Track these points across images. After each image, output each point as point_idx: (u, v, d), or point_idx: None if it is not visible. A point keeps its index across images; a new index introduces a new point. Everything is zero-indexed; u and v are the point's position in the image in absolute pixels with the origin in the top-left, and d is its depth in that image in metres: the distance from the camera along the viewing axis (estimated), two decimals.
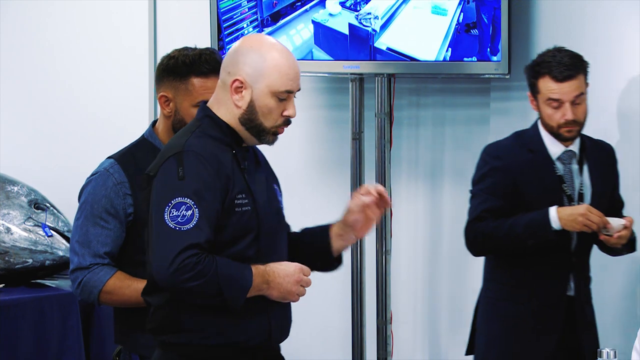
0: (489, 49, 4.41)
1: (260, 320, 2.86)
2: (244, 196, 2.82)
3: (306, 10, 4.65)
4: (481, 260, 4.57)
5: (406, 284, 4.82)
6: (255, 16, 4.72)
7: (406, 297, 4.81)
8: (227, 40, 4.76)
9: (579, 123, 3.75)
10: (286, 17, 4.68)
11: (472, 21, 4.42)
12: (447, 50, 4.43)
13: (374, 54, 4.55)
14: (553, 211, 3.66)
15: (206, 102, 2.93)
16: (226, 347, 2.83)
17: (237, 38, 4.76)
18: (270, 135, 2.87)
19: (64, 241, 4.55)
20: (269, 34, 4.70)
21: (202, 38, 4.96)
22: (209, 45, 4.81)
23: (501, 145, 3.89)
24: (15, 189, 4.64)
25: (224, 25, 4.76)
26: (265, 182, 2.93)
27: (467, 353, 3.98)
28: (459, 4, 4.42)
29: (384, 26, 4.53)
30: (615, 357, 2.79)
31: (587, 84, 3.81)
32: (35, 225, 4.53)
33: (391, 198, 4.64)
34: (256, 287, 2.80)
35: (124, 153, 3.36)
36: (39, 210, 4.61)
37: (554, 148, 3.79)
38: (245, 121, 2.84)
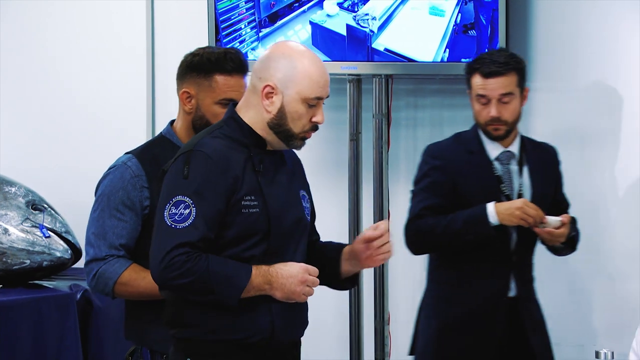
0: (486, 50, 4.41)
1: (261, 318, 2.87)
2: (253, 198, 2.84)
3: (304, 11, 4.65)
4: None
5: (404, 284, 4.82)
6: (253, 17, 4.72)
7: (404, 297, 4.81)
8: (224, 41, 4.76)
9: (505, 122, 3.76)
10: (284, 18, 4.68)
11: (469, 22, 4.42)
12: (444, 51, 4.43)
13: (372, 54, 4.56)
14: (491, 206, 3.68)
15: (236, 103, 2.97)
16: (227, 343, 2.85)
17: (235, 39, 4.77)
18: (298, 140, 2.91)
19: (61, 242, 4.55)
20: (267, 35, 4.70)
21: (200, 39, 4.96)
22: (207, 45, 4.82)
23: (441, 146, 3.93)
24: (13, 189, 4.63)
25: (222, 26, 4.76)
26: (287, 187, 2.95)
27: (410, 353, 3.99)
28: (457, 4, 4.42)
29: (381, 27, 4.53)
30: (612, 358, 2.79)
31: (522, 87, 3.81)
32: (32, 226, 4.53)
33: (389, 199, 4.66)
34: (257, 287, 2.82)
35: (143, 149, 3.38)
36: (37, 211, 4.60)
37: (493, 149, 3.82)
38: (275, 126, 2.88)
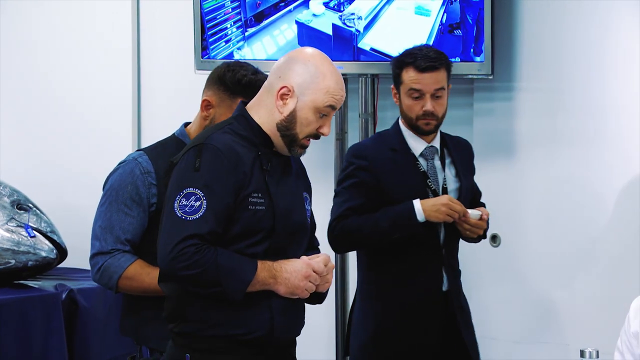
0: (472, 50, 4.42)
1: (261, 314, 2.89)
2: (260, 195, 2.88)
3: (290, 11, 4.65)
4: (465, 258, 4.59)
5: None
6: (239, 16, 4.71)
7: None
8: (210, 40, 4.76)
9: (437, 117, 3.80)
10: (270, 17, 4.68)
11: (455, 22, 4.43)
12: None
13: (358, 54, 4.56)
14: (417, 204, 3.71)
15: (246, 102, 2.99)
16: (226, 339, 2.87)
17: (220, 38, 4.76)
18: (298, 148, 2.95)
19: (47, 242, 4.54)
20: (253, 34, 4.70)
21: (185, 38, 4.97)
22: (193, 45, 4.81)
23: (364, 145, 3.95)
24: None
25: (208, 26, 4.76)
26: (293, 188, 2.99)
27: (344, 355, 3.98)
28: (443, 4, 4.43)
29: (367, 27, 4.54)
30: (597, 357, 2.80)
31: (449, 84, 3.84)
32: (17, 225, 4.52)
33: None
34: (262, 282, 2.85)
35: (154, 147, 3.41)
36: (22, 211, 4.59)
37: (416, 145, 3.84)
38: (283, 128, 2.92)
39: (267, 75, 3.05)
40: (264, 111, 2.94)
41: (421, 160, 3.84)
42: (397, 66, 3.82)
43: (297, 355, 3.08)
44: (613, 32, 4.35)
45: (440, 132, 3.90)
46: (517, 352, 4.61)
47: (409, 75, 3.78)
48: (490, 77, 4.46)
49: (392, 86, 3.88)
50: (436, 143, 3.87)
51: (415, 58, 3.77)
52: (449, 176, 3.86)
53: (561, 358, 4.40)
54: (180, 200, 2.81)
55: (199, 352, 2.87)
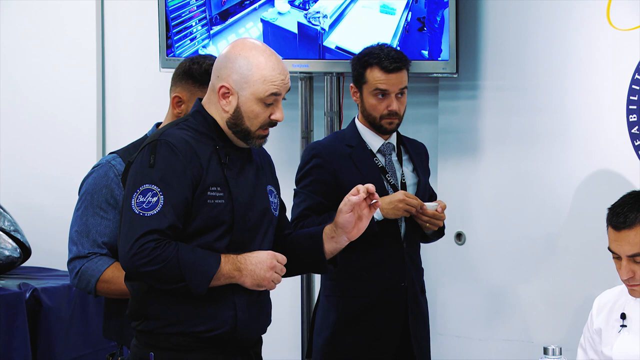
0: (437, 48, 4.43)
1: (224, 311, 2.88)
2: (219, 189, 2.86)
3: (255, 9, 4.64)
4: (431, 257, 4.60)
5: None
6: (204, 14, 4.70)
7: None
8: (175, 38, 4.74)
9: (399, 116, 3.83)
10: (235, 15, 4.67)
11: (420, 20, 4.44)
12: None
13: (323, 52, 4.56)
14: None
15: (201, 98, 2.99)
16: (187, 336, 2.85)
17: (185, 36, 4.75)
18: (256, 139, 2.93)
19: (10, 241, 4.51)
20: (218, 32, 4.69)
21: (150, 36, 4.95)
22: (158, 43, 4.80)
23: (318, 143, 3.96)
24: None
25: (173, 24, 4.74)
26: (254, 181, 2.97)
27: (307, 356, 3.99)
28: (407, 3, 4.44)
29: (332, 25, 4.54)
30: (560, 353, 2.82)
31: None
32: None
33: None
34: (226, 274, 2.83)
35: (127, 148, 3.40)
36: None
37: (373, 141, 3.87)
38: (232, 125, 2.91)
39: None
40: (214, 109, 2.93)
41: (379, 156, 3.86)
42: (361, 66, 3.83)
43: (263, 354, 3.07)
44: (576, 31, 4.38)
45: (397, 130, 3.93)
46: (482, 349, 4.63)
47: (375, 76, 3.79)
48: (455, 76, 4.47)
49: (351, 85, 3.89)
50: (393, 140, 3.90)
51: (379, 58, 3.79)
52: (407, 172, 3.89)
53: (525, 355, 4.42)
54: (137, 197, 2.79)
55: (163, 350, 2.86)
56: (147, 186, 2.80)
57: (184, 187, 2.81)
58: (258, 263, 2.86)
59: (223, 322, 2.88)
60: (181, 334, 2.85)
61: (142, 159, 2.85)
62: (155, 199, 2.79)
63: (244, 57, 2.89)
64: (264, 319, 3.01)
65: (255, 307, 2.95)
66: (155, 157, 2.81)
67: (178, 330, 2.85)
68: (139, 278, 2.82)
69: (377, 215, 3.71)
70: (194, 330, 2.85)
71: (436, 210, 3.76)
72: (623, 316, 3.23)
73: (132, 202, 2.80)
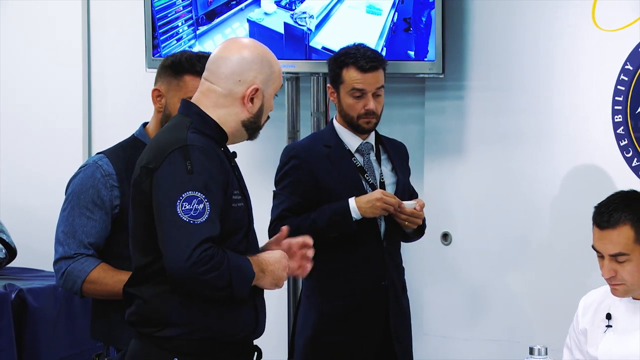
0: (423, 49, 4.43)
1: (248, 313, 2.89)
2: (238, 192, 2.88)
3: (241, 9, 4.64)
4: (416, 257, 4.61)
5: None
6: (190, 14, 4.70)
7: None
8: (161, 38, 4.74)
9: (376, 115, 3.85)
10: (221, 15, 4.67)
11: (406, 21, 4.44)
12: (382, 50, 4.45)
13: (310, 53, 4.56)
14: (352, 202, 3.74)
15: (188, 99, 2.96)
16: (214, 341, 2.85)
17: (172, 37, 4.74)
18: (258, 131, 2.99)
19: None
20: (204, 32, 4.69)
21: (136, 36, 4.94)
22: (144, 43, 4.79)
23: (297, 144, 3.99)
24: None
25: (159, 24, 4.74)
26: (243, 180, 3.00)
27: (289, 357, 4.00)
28: (394, 4, 4.44)
29: (319, 25, 4.54)
30: (546, 353, 2.83)
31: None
32: None
33: None
34: (256, 277, 2.85)
35: (114, 149, 3.39)
36: None
37: (351, 141, 3.88)
38: (250, 123, 2.93)
39: (209, 54, 3.01)
40: (224, 112, 2.90)
41: (357, 156, 3.86)
42: (337, 66, 3.85)
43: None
44: (561, 31, 4.39)
45: (375, 130, 3.94)
46: (468, 349, 4.64)
47: (351, 75, 3.80)
48: (441, 76, 4.48)
49: (328, 85, 3.90)
50: (371, 140, 3.90)
51: (355, 58, 3.80)
52: (385, 171, 3.90)
53: (511, 355, 4.43)
54: (182, 204, 2.74)
55: (187, 356, 2.84)
56: (190, 193, 2.75)
57: (220, 192, 2.81)
58: (276, 263, 2.89)
59: (247, 325, 2.89)
60: (207, 339, 2.84)
61: (175, 166, 2.78)
62: (201, 205, 2.75)
63: (262, 55, 2.92)
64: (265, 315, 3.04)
65: (264, 306, 2.98)
66: (192, 163, 2.78)
67: (204, 336, 2.83)
68: (195, 285, 2.76)
69: (355, 214, 3.72)
70: (220, 335, 2.85)
71: (414, 209, 3.77)
72: (608, 316, 3.25)
73: (178, 209, 2.74)
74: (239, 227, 2.87)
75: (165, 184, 2.79)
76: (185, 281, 2.77)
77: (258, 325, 2.92)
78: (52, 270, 3.37)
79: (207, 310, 2.82)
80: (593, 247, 3.18)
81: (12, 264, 4.95)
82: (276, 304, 4.83)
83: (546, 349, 2.83)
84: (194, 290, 2.79)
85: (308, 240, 3.01)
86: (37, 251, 5.04)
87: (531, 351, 2.84)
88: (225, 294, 2.79)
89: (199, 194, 2.76)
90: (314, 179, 3.80)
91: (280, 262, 2.89)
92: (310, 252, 3.02)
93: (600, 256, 3.17)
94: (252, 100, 2.90)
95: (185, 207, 2.75)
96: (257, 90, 2.89)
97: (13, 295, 4.42)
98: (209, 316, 2.83)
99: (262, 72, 2.91)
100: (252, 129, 2.94)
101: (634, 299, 3.22)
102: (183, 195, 2.75)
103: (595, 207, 3.19)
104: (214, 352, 2.86)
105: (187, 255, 2.72)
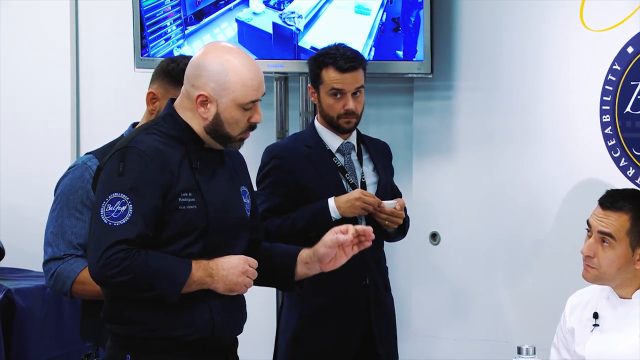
0: (412, 49, 4.44)
1: (201, 315, 2.87)
2: (191, 195, 2.84)
3: (230, 9, 4.64)
4: (405, 257, 4.61)
5: None
6: (179, 14, 4.69)
7: None
8: (150, 38, 4.73)
9: (356, 115, 3.86)
10: (210, 15, 4.67)
11: (395, 21, 4.44)
12: (370, 50, 4.45)
13: (298, 53, 4.56)
14: (331, 202, 3.75)
15: (174, 100, 2.95)
16: (166, 340, 2.85)
17: (160, 37, 4.74)
18: (236, 142, 2.92)
19: None
20: (193, 32, 4.68)
21: (124, 36, 4.93)
22: (133, 43, 4.78)
23: (279, 145, 3.99)
24: None
25: (147, 24, 4.73)
26: (227, 184, 2.95)
27: (274, 357, 3.99)
28: (382, 3, 4.44)
29: (307, 25, 4.54)
30: (534, 353, 2.83)
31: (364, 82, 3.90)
32: None
33: None
34: (198, 281, 2.83)
35: (103, 149, 3.38)
36: None
37: (332, 141, 3.89)
38: (211, 131, 2.89)
39: None
40: (189, 114, 2.90)
41: (338, 156, 3.87)
42: (317, 66, 3.86)
43: (239, 355, 3.07)
44: (550, 32, 4.39)
45: (357, 130, 3.94)
46: (456, 349, 4.64)
47: (330, 76, 3.82)
48: (430, 76, 4.48)
49: (309, 85, 3.91)
50: (353, 140, 3.91)
51: (334, 58, 3.82)
52: (367, 171, 3.90)
53: (499, 355, 4.43)
54: (106, 206, 2.76)
55: (141, 353, 2.85)
56: (116, 195, 2.77)
57: (154, 195, 2.79)
58: (230, 268, 2.85)
59: (200, 327, 2.87)
60: (159, 338, 2.85)
61: (111, 167, 2.81)
62: (124, 208, 2.75)
63: (218, 62, 2.85)
64: (239, 319, 3.02)
65: (231, 309, 2.95)
66: (124, 165, 2.78)
67: (156, 335, 2.84)
68: (109, 288, 2.82)
69: (335, 214, 3.73)
70: (172, 335, 2.85)
71: (394, 208, 3.77)
72: (595, 315, 3.26)
73: (101, 211, 2.76)
74: (190, 229, 2.84)
75: (99, 186, 2.83)
76: (98, 283, 2.81)
77: (216, 328, 2.89)
78: (41, 270, 3.37)
79: (159, 310, 2.82)
80: (587, 221, 3.22)
81: (0, 264, 4.94)
82: (265, 302, 4.83)
83: (534, 348, 2.84)
84: (114, 292, 2.82)
85: (366, 230, 2.99)
86: (25, 251, 5.03)
87: (519, 351, 2.84)
88: (151, 296, 2.78)
89: (124, 195, 2.76)
90: (295, 179, 3.81)
91: (235, 267, 2.86)
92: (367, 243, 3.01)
93: (589, 233, 3.20)
94: (204, 106, 2.86)
95: (108, 208, 2.76)
96: (205, 97, 2.85)
97: (1, 296, 4.41)
98: (161, 316, 2.83)
99: (213, 80, 2.84)
100: (218, 137, 2.88)
101: (620, 297, 3.23)
102: (109, 196, 2.77)
103: (607, 191, 3.26)
104: (168, 351, 2.85)
105: (97, 258, 2.75)
